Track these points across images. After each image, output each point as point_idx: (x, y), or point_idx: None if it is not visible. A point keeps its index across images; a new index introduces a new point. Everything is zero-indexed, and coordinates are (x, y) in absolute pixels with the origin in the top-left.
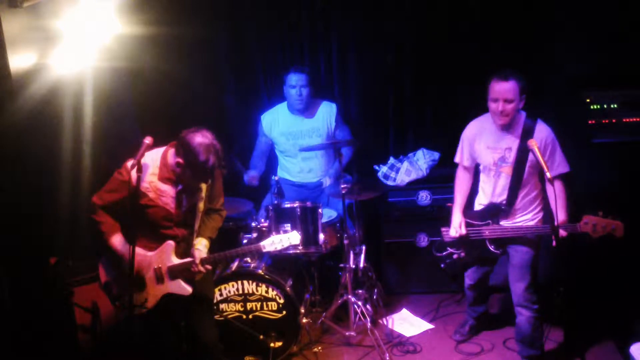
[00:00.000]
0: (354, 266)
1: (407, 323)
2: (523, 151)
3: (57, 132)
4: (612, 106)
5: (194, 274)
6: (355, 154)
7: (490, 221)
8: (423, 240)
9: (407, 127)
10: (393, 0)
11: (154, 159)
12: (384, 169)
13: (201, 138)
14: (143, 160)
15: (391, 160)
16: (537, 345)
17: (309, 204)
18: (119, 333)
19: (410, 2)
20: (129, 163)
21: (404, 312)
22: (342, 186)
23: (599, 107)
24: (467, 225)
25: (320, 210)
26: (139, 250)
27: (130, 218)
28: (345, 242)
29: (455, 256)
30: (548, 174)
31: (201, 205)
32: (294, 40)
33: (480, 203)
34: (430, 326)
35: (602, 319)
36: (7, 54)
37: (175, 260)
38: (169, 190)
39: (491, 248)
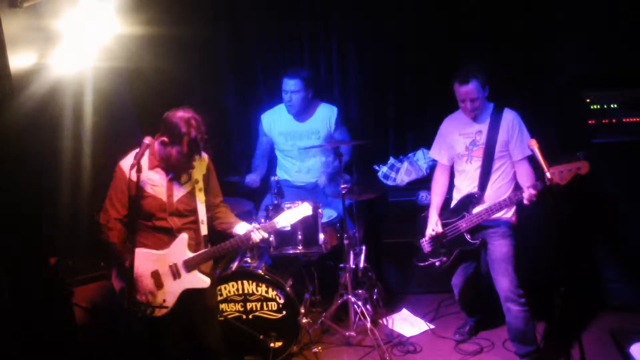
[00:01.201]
0: (354, 266)
1: (407, 323)
2: (492, 131)
3: (57, 132)
4: (612, 106)
5: (209, 266)
6: (355, 154)
7: (465, 213)
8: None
9: (407, 127)
10: (393, 0)
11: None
12: (384, 169)
13: (182, 112)
14: (129, 160)
15: (391, 160)
16: (531, 341)
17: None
18: (119, 333)
19: (410, 2)
20: (122, 162)
21: (404, 312)
22: (342, 186)
23: (599, 107)
24: (444, 225)
25: (320, 210)
26: (149, 251)
27: (131, 216)
28: (345, 242)
29: (437, 264)
30: (548, 174)
31: (201, 196)
32: (294, 40)
33: (455, 199)
34: (430, 326)
35: (602, 319)
36: (7, 54)
37: (190, 254)
38: (159, 179)
39: (468, 239)
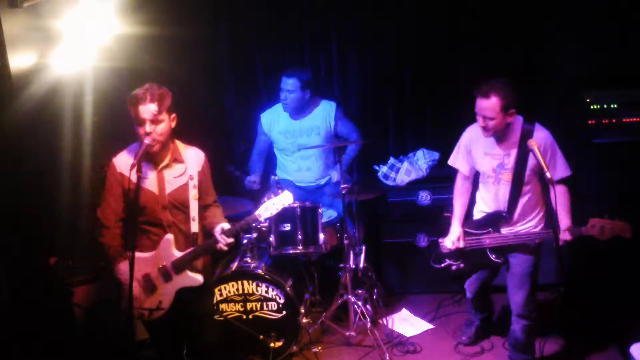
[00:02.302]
0: (354, 266)
1: (407, 323)
2: (522, 156)
3: (57, 132)
4: (612, 106)
5: (198, 263)
6: (358, 152)
7: (490, 229)
8: (423, 241)
9: (407, 127)
10: (393, 0)
11: (130, 152)
12: (384, 169)
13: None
14: (122, 158)
15: (391, 160)
16: (529, 351)
17: (308, 203)
18: (118, 333)
19: (410, 2)
20: (115, 160)
21: (404, 312)
22: (342, 186)
23: (599, 107)
24: (467, 234)
25: (320, 210)
26: (139, 254)
27: (131, 216)
28: (345, 242)
29: (453, 267)
30: (548, 174)
31: (195, 192)
32: (294, 40)
33: (480, 211)
34: (430, 326)
35: (602, 319)
36: (7, 54)
37: (178, 254)
38: (150, 173)
39: (492, 257)
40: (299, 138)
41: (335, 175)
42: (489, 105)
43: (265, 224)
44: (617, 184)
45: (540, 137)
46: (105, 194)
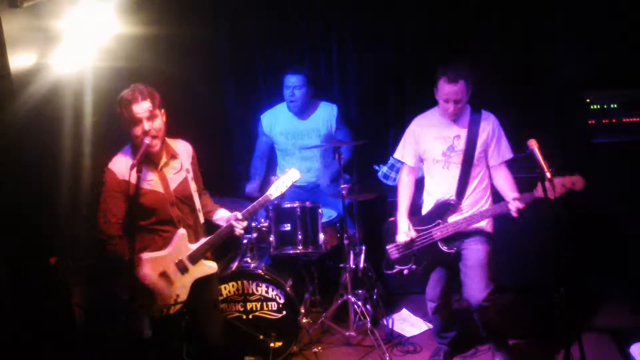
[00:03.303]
0: (354, 266)
1: (407, 323)
2: (472, 137)
3: (57, 132)
4: (612, 106)
5: (208, 254)
6: (355, 154)
7: (439, 221)
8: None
9: (407, 127)
10: (393, 0)
11: (125, 154)
12: (384, 169)
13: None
14: (119, 163)
15: (391, 160)
16: (502, 337)
17: (308, 203)
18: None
19: (410, 2)
20: (111, 165)
21: (404, 312)
22: (342, 186)
23: (599, 107)
24: (415, 232)
25: (320, 210)
26: (153, 254)
27: (131, 218)
28: (345, 242)
29: (405, 272)
30: (548, 174)
31: (193, 184)
32: (294, 40)
33: (427, 205)
34: (430, 326)
35: (602, 319)
36: (7, 54)
37: (193, 247)
38: (151, 174)
39: (444, 249)
40: (299, 140)
41: (324, 180)
42: (458, 89)
43: (266, 225)
44: (617, 184)
45: (487, 118)
46: (107, 204)
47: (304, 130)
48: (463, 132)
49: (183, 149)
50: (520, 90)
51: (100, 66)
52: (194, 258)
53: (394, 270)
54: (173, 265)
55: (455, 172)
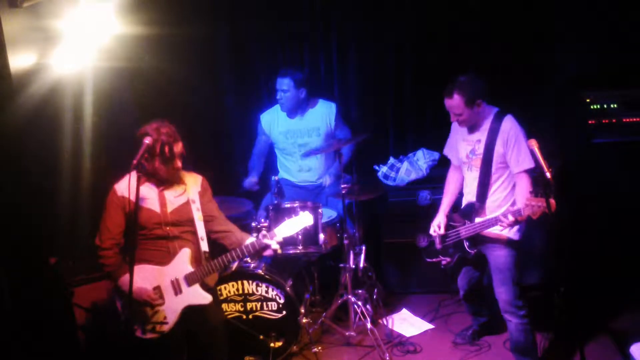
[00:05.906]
0: (354, 266)
1: (407, 323)
2: (490, 143)
3: (57, 132)
4: (612, 106)
5: (210, 280)
6: (356, 154)
7: (467, 221)
8: (423, 241)
9: (407, 127)
10: (393, 0)
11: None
12: (384, 169)
13: (147, 127)
14: (123, 182)
15: (391, 160)
16: (530, 353)
17: (309, 204)
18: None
19: (410, 2)
20: (117, 185)
21: (404, 312)
22: (342, 186)
23: (599, 107)
24: (448, 227)
25: (320, 210)
26: (151, 266)
27: (132, 231)
28: (345, 242)
29: (443, 263)
30: (548, 174)
31: (198, 213)
32: (294, 40)
33: (464, 201)
34: (430, 326)
35: (602, 319)
36: (7, 54)
37: (191, 269)
38: (151, 192)
39: (466, 246)
40: (299, 138)
41: (327, 180)
42: (453, 103)
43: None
44: (617, 184)
45: (506, 126)
46: (105, 220)
47: (304, 129)
48: (483, 137)
49: (191, 179)
50: (520, 90)
51: (100, 66)
52: (191, 279)
53: (435, 260)
54: (168, 282)
55: (475, 174)
